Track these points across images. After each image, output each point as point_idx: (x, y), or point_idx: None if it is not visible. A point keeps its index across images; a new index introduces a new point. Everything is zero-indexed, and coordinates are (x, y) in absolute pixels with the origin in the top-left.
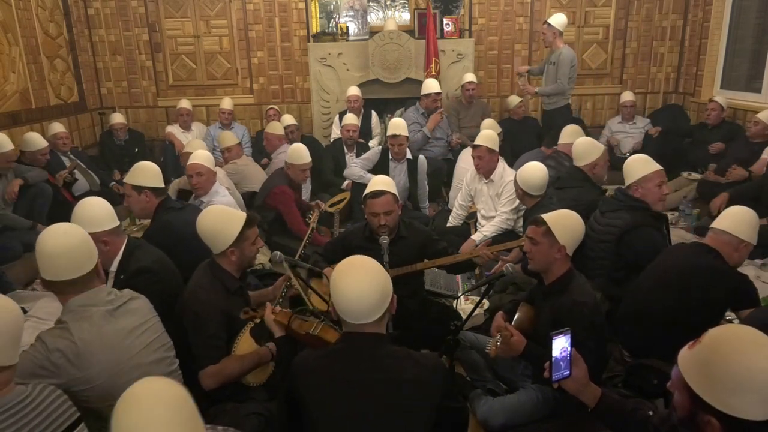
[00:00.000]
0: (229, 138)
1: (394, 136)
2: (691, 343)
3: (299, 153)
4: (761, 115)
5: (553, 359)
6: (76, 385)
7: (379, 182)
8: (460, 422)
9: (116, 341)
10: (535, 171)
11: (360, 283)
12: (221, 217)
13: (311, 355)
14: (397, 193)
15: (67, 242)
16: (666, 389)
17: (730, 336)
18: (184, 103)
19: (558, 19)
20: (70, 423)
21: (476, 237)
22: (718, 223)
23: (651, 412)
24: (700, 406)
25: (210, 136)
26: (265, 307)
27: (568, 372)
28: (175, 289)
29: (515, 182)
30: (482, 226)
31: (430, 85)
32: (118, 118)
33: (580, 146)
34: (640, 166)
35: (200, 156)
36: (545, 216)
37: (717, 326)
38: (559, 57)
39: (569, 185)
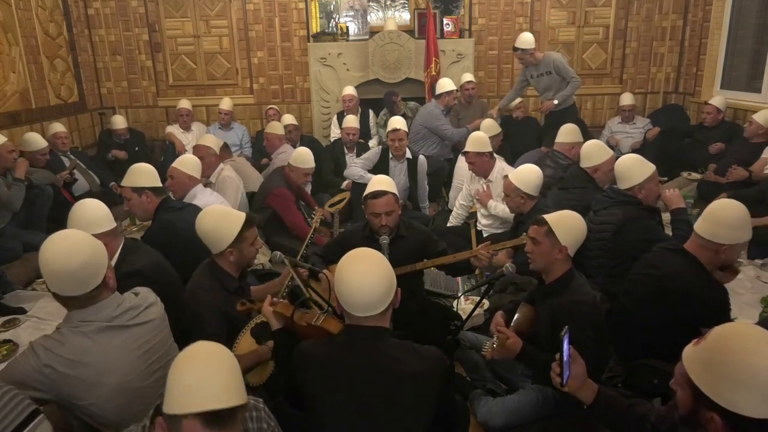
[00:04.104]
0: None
1: (395, 131)
2: (696, 340)
3: (304, 157)
4: (756, 116)
5: (563, 361)
6: (65, 400)
7: (379, 182)
8: (459, 417)
9: (112, 362)
10: (530, 171)
11: (367, 275)
12: (220, 217)
13: (314, 345)
14: (397, 193)
15: (72, 261)
16: (668, 388)
17: (736, 333)
18: (184, 104)
19: (527, 39)
20: (22, 420)
21: (491, 203)
22: (697, 225)
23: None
24: (703, 402)
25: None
26: (263, 300)
27: (568, 372)
28: (171, 291)
29: (514, 190)
30: (483, 225)
31: (449, 83)
32: (120, 123)
33: (587, 148)
34: (640, 169)
35: (179, 160)
36: (547, 216)
37: (722, 324)
38: (552, 63)
39: (573, 186)
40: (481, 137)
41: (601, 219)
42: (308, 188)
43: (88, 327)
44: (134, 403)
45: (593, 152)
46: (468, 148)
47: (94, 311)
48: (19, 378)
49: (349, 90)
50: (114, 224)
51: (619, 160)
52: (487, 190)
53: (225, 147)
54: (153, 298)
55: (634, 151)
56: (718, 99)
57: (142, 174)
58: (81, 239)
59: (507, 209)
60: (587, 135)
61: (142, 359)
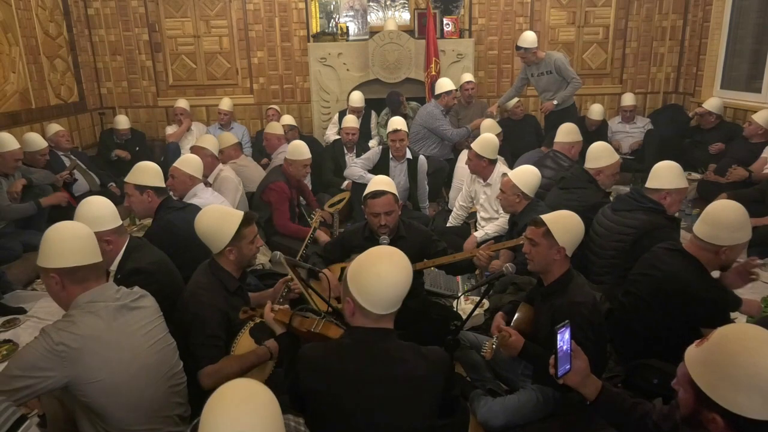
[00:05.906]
0: (225, 140)
1: (395, 131)
2: (698, 341)
3: (299, 149)
4: (756, 116)
5: (558, 354)
6: (78, 380)
7: (379, 182)
8: (457, 416)
9: (122, 338)
10: (530, 172)
11: (393, 273)
12: (218, 216)
13: (317, 349)
14: (397, 193)
15: (76, 230)
16: (669, 388)
17: (739, 334)
18: (181, 103)
19: (530, 38)
20: (8, 428)
21: (478, 234)
22: (696, 227)
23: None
24: (704, 403)
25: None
26: (264, 306)
27: (568, 366)
28: (174, 290)
29: (511, 188)
30: (483, 227)
31: (448, 83)
32: (123, 123)
33: (594, 149)
34: (676, 178)
35: (181, 160)
36: (545, 217)
37: (722, 324)
38: (553, 63)
39: (574, 186)
40: (491, 141)
41: (623, 220)
42: (308, 185)
43: (96, 307)
44: (141, 383)
45: (600, 154)
46: (474, 145)
47: (98, 292)
48: (31, 361)
49: (358, 101)
50: (119, 222)
51: (661, 162)
52: (470, 238)
53: (239, 145)
54: (145, 292)
55: (633, 150)
56: (711, 102)
57: (147, 172)
58: (77, 222)
59: (499, 224)
60: (604, 133)
61: (146, 337)
